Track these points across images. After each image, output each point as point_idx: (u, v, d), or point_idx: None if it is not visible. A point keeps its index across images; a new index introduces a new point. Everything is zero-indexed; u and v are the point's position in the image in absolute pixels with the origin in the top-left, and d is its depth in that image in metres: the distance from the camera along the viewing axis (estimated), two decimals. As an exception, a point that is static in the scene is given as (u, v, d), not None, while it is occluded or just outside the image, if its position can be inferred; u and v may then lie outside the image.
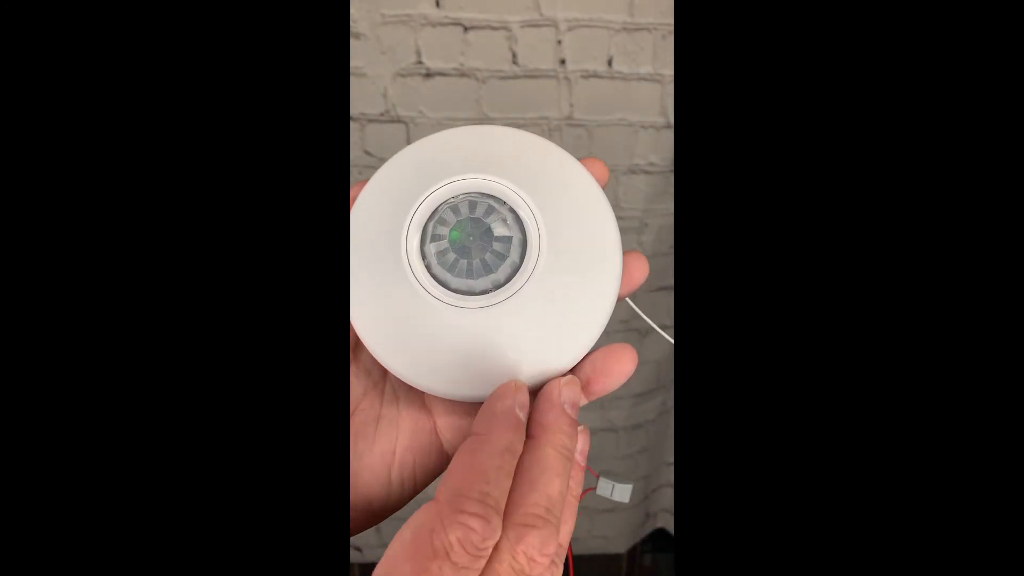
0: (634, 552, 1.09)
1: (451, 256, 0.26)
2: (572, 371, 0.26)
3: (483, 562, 0.20)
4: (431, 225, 0.26)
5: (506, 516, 0.21)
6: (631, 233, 0.85)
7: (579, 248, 0.26)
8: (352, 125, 0.76)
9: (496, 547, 0.21)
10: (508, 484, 0.22)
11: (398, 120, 0.76)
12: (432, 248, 0.26)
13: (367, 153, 0.78)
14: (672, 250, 0.86)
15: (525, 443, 0.23)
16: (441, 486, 0.21)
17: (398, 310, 0.25)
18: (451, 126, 0.77)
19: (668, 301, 0.87)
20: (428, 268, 0.26)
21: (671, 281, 0.87)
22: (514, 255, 0.25)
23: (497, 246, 0.25)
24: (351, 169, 0.78)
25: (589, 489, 0.34)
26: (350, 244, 0.26)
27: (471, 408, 0.27)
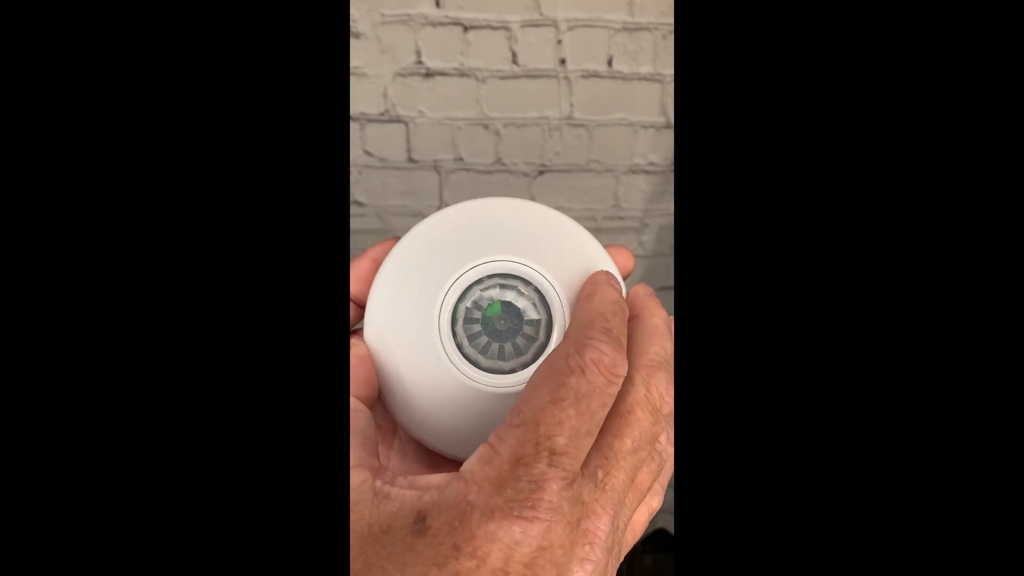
0: (634, 552, 1.09)
1: (484, 339, 0.27)
2: None
3: (615, 388, 0.21)
4: (462, 307, 0.27)
5: (632, 360, 0.23)
6: (631, 233, 0.85)
7: None
8: (352, 125, 0.76)
9: (630, 379, 0.22)
10: (625, 329, 0.23)
11: (398, 120, 0.76)
12: (464, 330, 0.27)
13: (367, 153, 0.78)
14: (672, 250, 0.86)
15: (630, 322, 0.25)
16: (568, 330, 0.23)
17: (428, 386, 0.26)
18: (451, 126, 0.78)
19: (668, 301, 0.87)
20: (460, 348, 0.26)
21: (671, 281, 0.87)
22: (542, 336, 0.27)
23: (528, 330, 0.27)
24: (351, 169, 0.78)
25: None
26: (375, 317, 0.27)
27: None
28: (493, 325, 0.27)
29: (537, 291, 0.27)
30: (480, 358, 0.26)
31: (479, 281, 0.27)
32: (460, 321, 0.27)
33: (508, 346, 0.27)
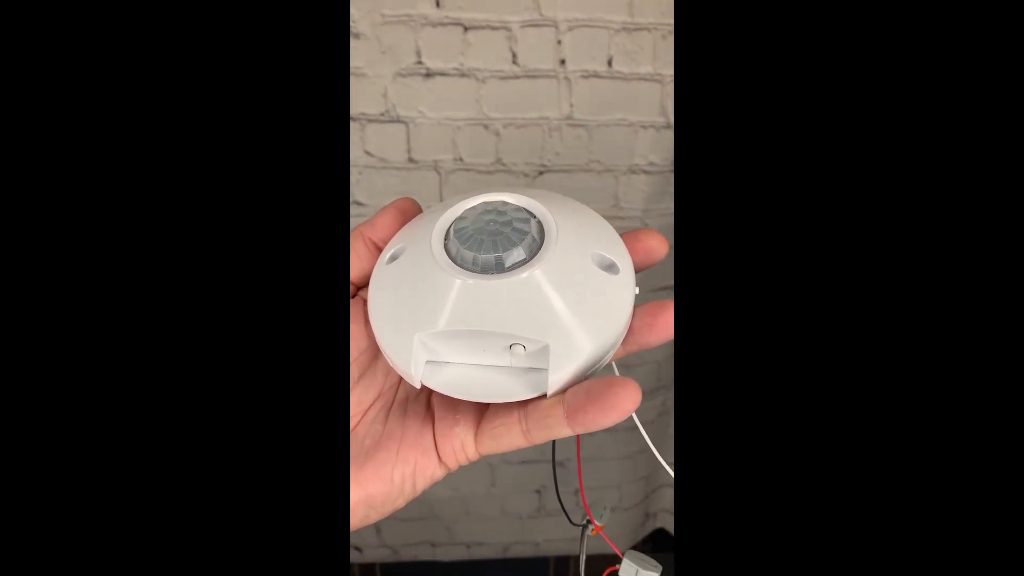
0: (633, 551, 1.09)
1: (469, 235, 0.26)
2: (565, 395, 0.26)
3: None
4: (456, 222, 0.27)
5: None
6: (631, 233, 0.84)
7: (593, 269, 0.27)
8: (352, 125, 0.76)
9: None
10: None
11: (398, 120, 0.76)
12: (455, 233, 0.27)
13: (367, 153, 0.78)
14: (672, 250, 0.86)
15: None
16: None
17: (412, 289, 0.26)
18: (451, 126, 0.78)
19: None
20: (446, 247, 0.27)
21: (671, 281, 0.87)
22: (525, 247, 0.26)
23: (514, 234, 0.26)
24: (351, 169, 0.78)
25: (613, 568, 0.34)
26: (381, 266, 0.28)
27: (469, 408, 0.27)
28: (483, 228, 0.27)
29: (533, 216, 0.28)
30: (466, 254, 0.26)
31: (478, 205, 0.28)
32: (453, 229, 0.27)
33: (489, 242, 0.26)
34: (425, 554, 1.09)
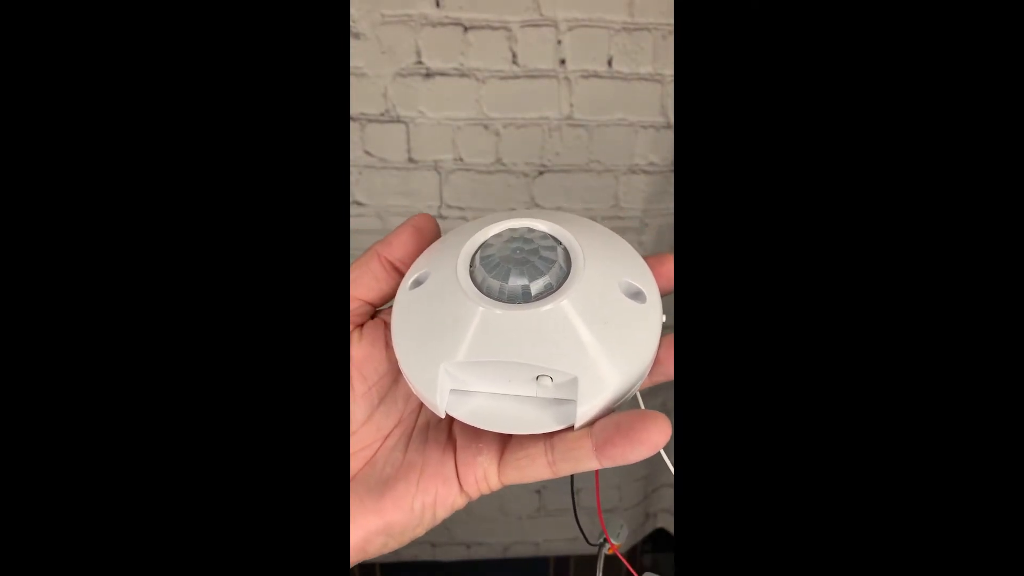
0: (634, 552, 1.09)
1: (495, 263, 0.26)
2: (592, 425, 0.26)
3: None
4: (481, 248, 0.27)
5: None
6: (631, 233, 0.85)
7: (621, 298, 0.27)
8: (352, 125, 0.76)
9: None
10: None
11: (398, 120, 0.76)
12: (480, 260, 0.26)
13: (367, 153, 0.78)
14: (672, 250, 0.85)
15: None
16: None
17: (437, 317, 0.26)
18: (451, 126, 0.78)
19: (668, 301, 0.86)
20: (472, 275, 0.26)
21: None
22: (552, 276, 0.26)
23: (541, 263, 0.26)
24: (351, 169, 0.78)
25: None
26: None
27: (492, 437, 0.27)
28: (510, 254, 0.26)
29: (559, 243, 0.27)
30: (492, 283, 0.26)
31: (504, 232, 0.28)
32: (479, 256, 0.27)
33: (515, 270, 0.26)
34: (425, 554, 1.09)
